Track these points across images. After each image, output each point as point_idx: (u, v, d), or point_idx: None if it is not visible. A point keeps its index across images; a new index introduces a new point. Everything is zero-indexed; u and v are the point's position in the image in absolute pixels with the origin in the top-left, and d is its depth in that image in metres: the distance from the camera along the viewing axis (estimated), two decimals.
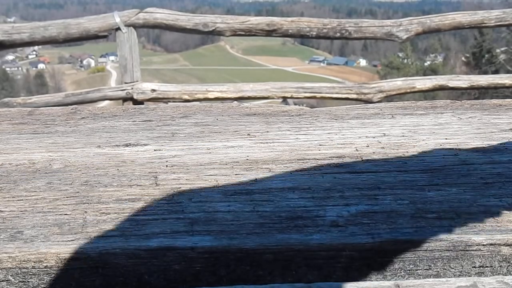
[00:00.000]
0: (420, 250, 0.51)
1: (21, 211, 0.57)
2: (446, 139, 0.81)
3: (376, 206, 0.58)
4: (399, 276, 0.51)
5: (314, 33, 3.48)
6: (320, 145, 0.78)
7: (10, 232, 0.53)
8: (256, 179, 0.65)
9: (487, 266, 0.51)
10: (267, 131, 0.85)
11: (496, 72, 16.04)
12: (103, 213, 0.57)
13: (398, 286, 0.48)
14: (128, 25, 3.59)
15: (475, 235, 0.51)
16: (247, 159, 0.72)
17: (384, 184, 0.64)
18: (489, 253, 0.51)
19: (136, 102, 3.74)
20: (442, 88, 3.96)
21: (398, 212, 0.57)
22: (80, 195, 0.61)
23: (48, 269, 0.49)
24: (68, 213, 0.57)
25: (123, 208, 0.58)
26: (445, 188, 0.63)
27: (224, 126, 0.88)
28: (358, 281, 0.51)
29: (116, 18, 3.58)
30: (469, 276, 0.51)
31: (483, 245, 0.51)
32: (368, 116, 0.94)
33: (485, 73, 14.93)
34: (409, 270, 0.51)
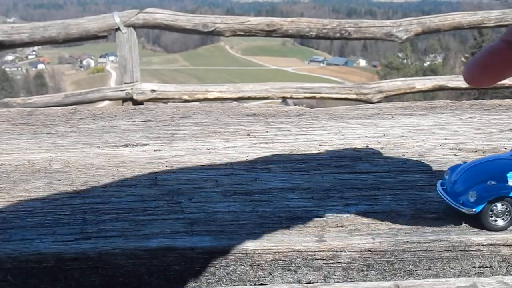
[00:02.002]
0: (420, 251, 0.51)
1: (21, 211, 0.57)
2: (446, 139, 0.81)
3: (375, 206, 0.58)
4: (398, 276, 0.51)
5: (314, 33, 3.49)
6: (320, 145, 0.78)
7: (9, 232, 0.53)
8: (256, 179, 0.65)
9: (486, 266, 0.51)
10: (267, 131, 0.85)
11: None
12: (103, 213, 0.57)
13: (398, 286, 0.48)
14: (127, 26, 3.59)
15: (475, 235, 0.51)
16: (247, 159, 0.72)
17: (383, 184, 0.64)
18: (488, 253, 0.51)
19: (136, 102, 3.74)
20: (441, 88, 3.97)
21: (398, 212, 0.57)
22: (80, 195, 0.61)
23: (47, 269, 0.49)
24: (68, 213, 0.57)
25: (123, 208, 0.58)
26: None
27: (224, 126, 0.88)
28: (358, 281, 0.51)
29: (116, 18, 3.58)
30: (469, 276, 0.51)
31: (483, 245, 0.51)
32: (367, 117, 0.94)
33: None
34: (408, 270, 0.51)
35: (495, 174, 0.54)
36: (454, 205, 0.54)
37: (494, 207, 0.53)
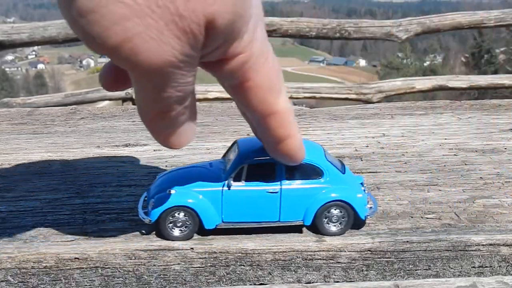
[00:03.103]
0: (420, 250, 0.51)
1: (21, 211, 0.57)
2: (445, 139, 0.81)
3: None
4: (398, 276, 0.51)
5: (314, 33, 3.48)
6: None
7: (9, 232, 0.53)
8: None
9: (486, 266, 0.51)
10: None
11: (495, 72, 16.02)
12: (103, 213, 0.57)
13: (398, 286, 0.49)
14: None
15: (475, 235, 0.51)
16: None
17: (383, 184, 0.64)
18: (488, 253, 0.51)
19: None
20: (441, 88, 3.96)
21: (398, 212, 0.57)
22: (80, 195, 0.61)
23: (47, 269, 0.49)
24: (68, 213, 0.57)
25: (123, 208, 0.58)
26: (445, 188, 0.63)
27: (224, 126, 0.88)
28: (358, 281, 0.51)
29: None
30: (469, 276, 0.51)
31: (483, 245, 0.51)
32: (367, 116, 0.94)
33: (485, 73, 14.91)
34: (408, 270, 0.51)
35: (179, 182, 0.51)
36: (139, 215, 0.52)
37: (172, 217, 0.50)
